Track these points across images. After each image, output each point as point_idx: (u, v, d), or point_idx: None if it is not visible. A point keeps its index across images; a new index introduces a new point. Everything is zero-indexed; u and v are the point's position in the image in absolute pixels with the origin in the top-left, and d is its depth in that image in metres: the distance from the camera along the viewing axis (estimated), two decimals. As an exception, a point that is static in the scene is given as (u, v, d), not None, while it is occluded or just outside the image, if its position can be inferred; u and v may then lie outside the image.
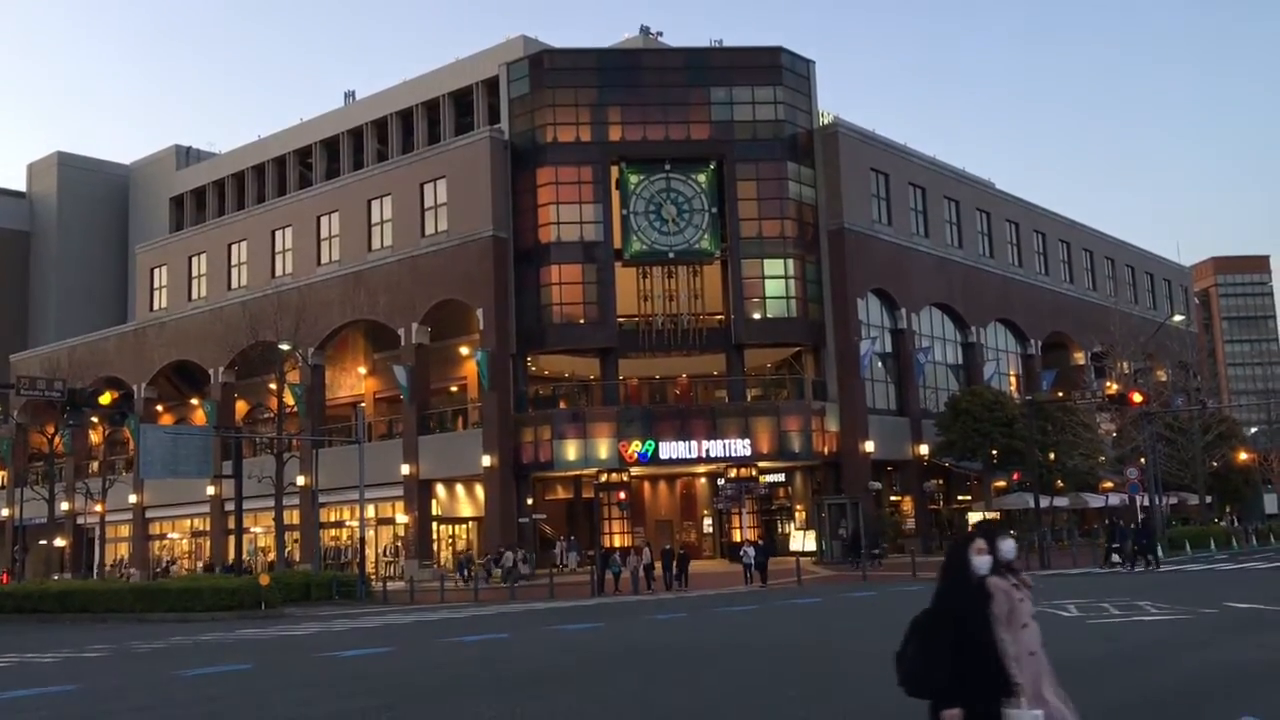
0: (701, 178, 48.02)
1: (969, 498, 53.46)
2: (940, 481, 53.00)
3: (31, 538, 61.27)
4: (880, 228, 51.89)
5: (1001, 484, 49.68)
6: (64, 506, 58.52)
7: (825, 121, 52.57)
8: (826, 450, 47.60)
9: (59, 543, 61.04)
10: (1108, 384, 51.46)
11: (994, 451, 47.00)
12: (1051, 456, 47.27)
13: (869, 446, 47.84)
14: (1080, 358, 62.40)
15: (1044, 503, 43.70)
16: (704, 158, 48.38)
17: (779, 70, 50.03)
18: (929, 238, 55.02)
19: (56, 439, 57.07)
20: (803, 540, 47.40)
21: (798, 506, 51.59)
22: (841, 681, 13.37)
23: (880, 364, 51.31)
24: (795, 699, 11.99)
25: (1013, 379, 59.47)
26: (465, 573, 42.31)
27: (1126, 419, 49.74)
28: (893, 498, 52.20)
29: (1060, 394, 52.69)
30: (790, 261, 48.65)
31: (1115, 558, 36.49)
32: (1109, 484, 52.64)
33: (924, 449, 50.55)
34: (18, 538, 61.34)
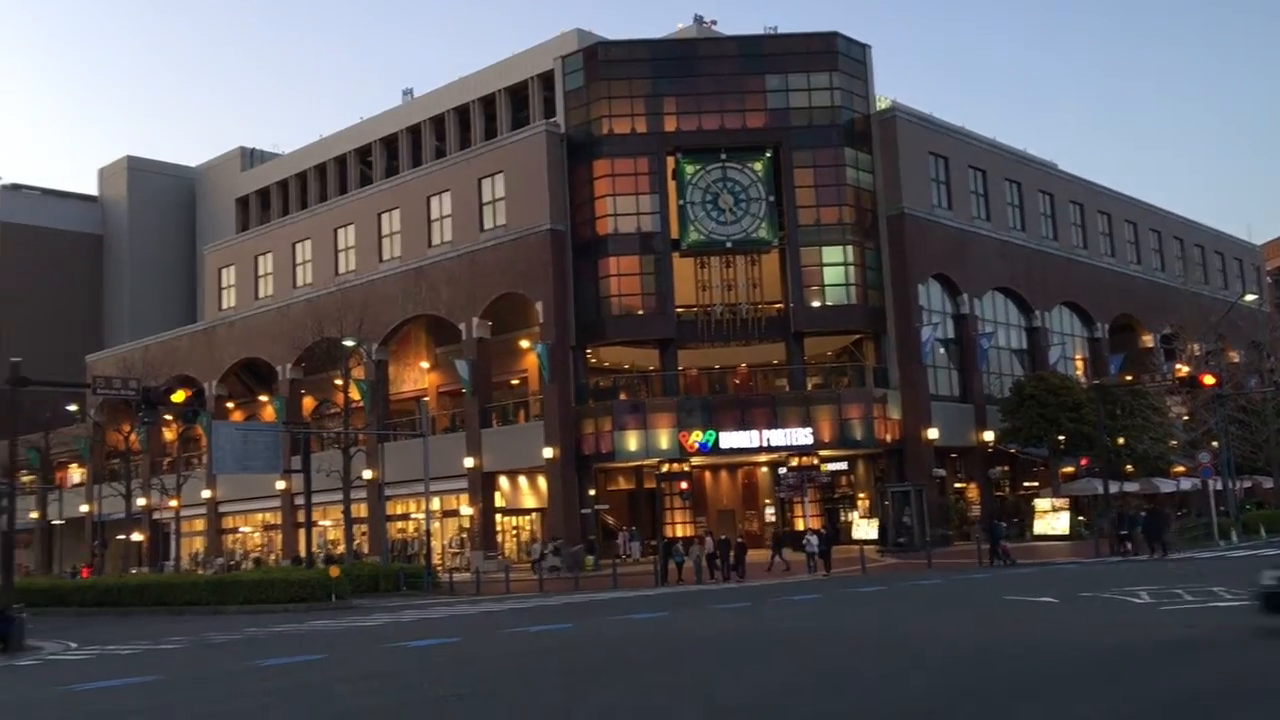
0: (758, 166, 47.83)
1: (1035, 484, 52.72)
2: (1006, 468, 52.31)
3: (110, 533, 63.10)
4: (940, 212, 51.27)
5: (1069, 470, 48.92)
6: (140, 502, 60.08)
7: (882, 106, 52.00)
8: (889, 438, 47.23)
9: (136, 537, 62.73)
10: (1178, 366, 50.32)
11: (1061, 437, 46.28)
12: (1121, 441, 46.43)
13: (932, 433, 47.39)
14: (1149, 340, 61.07)
15: (1114, 488, 42.99)
16: (760, 146, 48.16)
17: (834, 56, 49.57)
18: (990, 221, 54.23)
19: (132, 436, 58.63)
20: (866, 528, 47.22)
21: (860, 495, 51.31)
22: (903, 675, 13.34)
23: (942, 350, 50.74)
24: (871, 681, 12.00)
25: (1079, 363, 58.42)
26: (556, 561, 42.15)
27: (1198, 402, 48.61)
28: (957, 485, 51.67)
29: (1129, 377, 51.60)
30: (849, 248, 48.29)
31: (1128, 545, 36.07)
32: (1181, 468, 51.56)
33: (989, 435, 49.93)
34: (97, 533, 63.27)
